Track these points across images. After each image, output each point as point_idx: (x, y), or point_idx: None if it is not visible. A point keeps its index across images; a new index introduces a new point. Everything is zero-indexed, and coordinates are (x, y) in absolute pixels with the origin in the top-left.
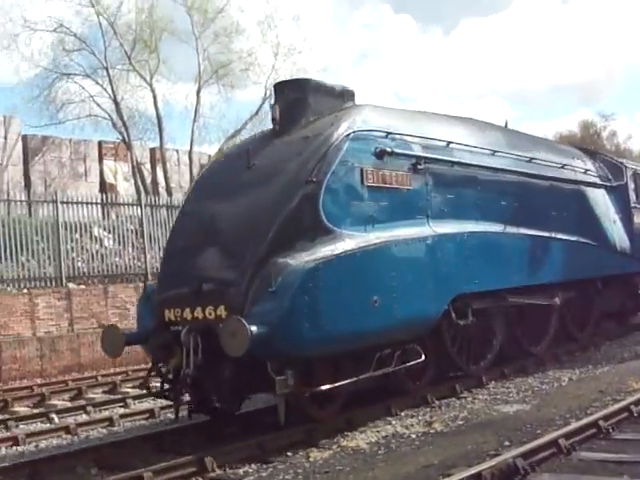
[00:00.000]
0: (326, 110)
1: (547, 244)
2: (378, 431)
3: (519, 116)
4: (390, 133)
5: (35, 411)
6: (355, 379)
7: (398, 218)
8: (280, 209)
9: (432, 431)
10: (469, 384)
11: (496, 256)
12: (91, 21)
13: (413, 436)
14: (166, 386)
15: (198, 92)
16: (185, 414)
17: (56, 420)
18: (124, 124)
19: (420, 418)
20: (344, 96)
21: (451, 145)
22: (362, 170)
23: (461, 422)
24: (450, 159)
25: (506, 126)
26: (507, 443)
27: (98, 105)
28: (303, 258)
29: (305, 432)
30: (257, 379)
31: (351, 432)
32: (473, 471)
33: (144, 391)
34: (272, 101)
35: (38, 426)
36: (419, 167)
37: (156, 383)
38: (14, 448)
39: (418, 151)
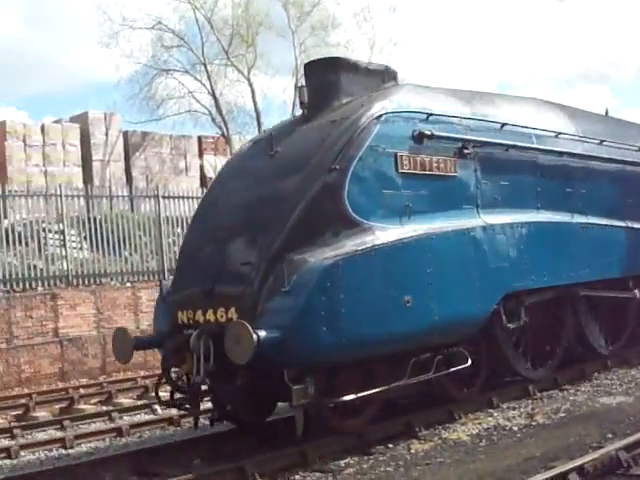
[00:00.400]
0: (361, 91)
1: (620, 234)
2: (479, 423)
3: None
4: (432, 114)
5: (139, 403)
6: (386, 387)
7: (441, 208)
8: (298, 200)
9: (534, 423)
10: (571, 376)
11: (560, 248)
12: (188, 17)
13: (515, 428)
14: (178, 395)
15: (296, 85)
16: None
17: (159, 411)
18: (223, 119)
19: (522, 410)
20: (383, 76)
21: (506, 127)
22: (396, 156)
23: (563, 414)
24: (505, 142)
25: (606, 114)
26: (610, 435)
27: (197, 100)
28: (323, 254)
29: (406, 424)
30: (275, 387)
31: (452, 424)
32: (575, 464)
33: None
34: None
35: (142, 417)
36: (466, 152)
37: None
38: (118, 439)
39: (465, 134)
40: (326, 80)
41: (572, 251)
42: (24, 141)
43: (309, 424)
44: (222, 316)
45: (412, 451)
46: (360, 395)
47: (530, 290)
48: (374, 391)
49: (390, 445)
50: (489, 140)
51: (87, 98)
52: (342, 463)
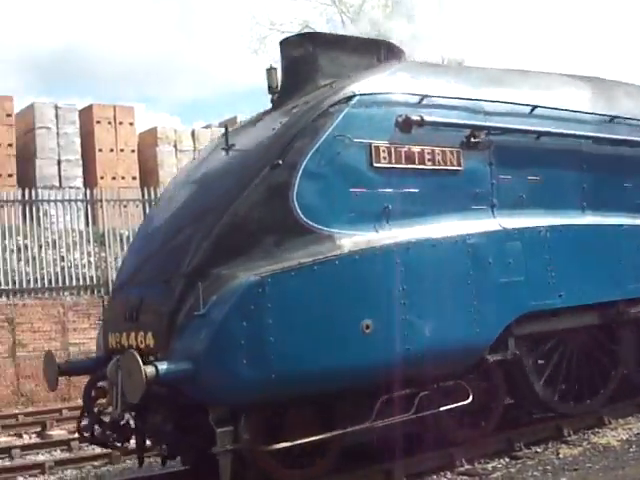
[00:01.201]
0: (348, 72)
1: None
2: (630, 428)
3: None
4: (427, 97)
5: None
6: (340, 432)
7: (437, 210)
8: (230, 203)
9: None
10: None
11: (606, 258)
12: (334, 20)
13: None
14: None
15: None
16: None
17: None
18: None
19: None
20: (379, 53)
21: (538, 110)
22: (370, 147)
23: None
24: (536, 129)
25: None
26: None
27: None
28: (259, 269)
29: (554, 428)
30: (203, 427)
31: (601, 429)
32: None
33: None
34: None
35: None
36: (476, 140)
37: None
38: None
39: (476, 119)
40: (301, 60)
41: (621, 262)
42: (175, 146)
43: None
44: (142, 342)
45: (560, 456)
46: (300, 442)
47: (560, 309)
48: (317, 437)
49: (538, 449)
50: (512, 126)
51: (236, 103)
52: (489, 467)
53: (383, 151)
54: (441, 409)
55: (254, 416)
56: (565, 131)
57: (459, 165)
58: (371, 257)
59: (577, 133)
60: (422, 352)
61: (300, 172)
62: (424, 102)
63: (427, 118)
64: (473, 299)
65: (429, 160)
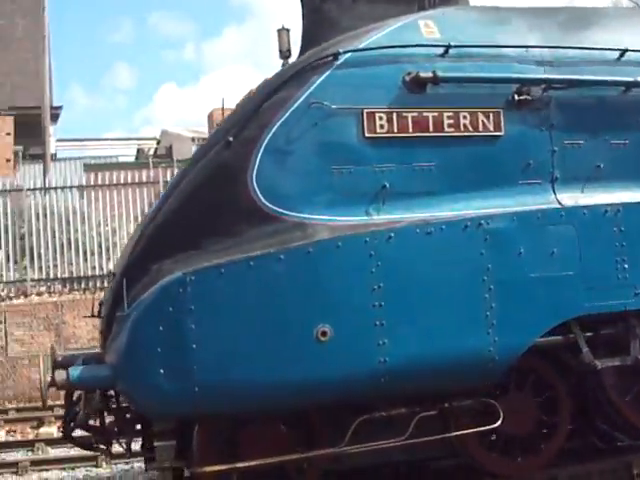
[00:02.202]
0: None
1: None
2: None
3: None
4: (455, 47)
5: None
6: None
7: (463, 189)
8: (177, 188)
9: None
10: None
11: None
12: None
13: None
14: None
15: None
16: None
17: None
18: None
19: None
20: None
21: (629, 56)
22: (362, 113)
23: None
24: (624, 79)
25: None
26: None
27: None
28: (197, 264)
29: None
30: None
31: None
32: None
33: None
34: None
35: None
36: (524, 98)
37: None
38: None
39: (528, 71)
40: (320, 16)
41: None
42: None
43: None
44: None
45: None
46: (239, 465)
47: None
48: (267, 461)
49: None
50: (588, 77)
51: None
52: None
53: (380, 118)
54: (452, 434)
55: (206, 431)
56: None
57: (498, 130)
58: (329, 249)
59: None
60: (409, 367)
61: (262, 149)
62: (450, 54)
63: (449, 74)
64: (491, 300)
65: (450, 126)
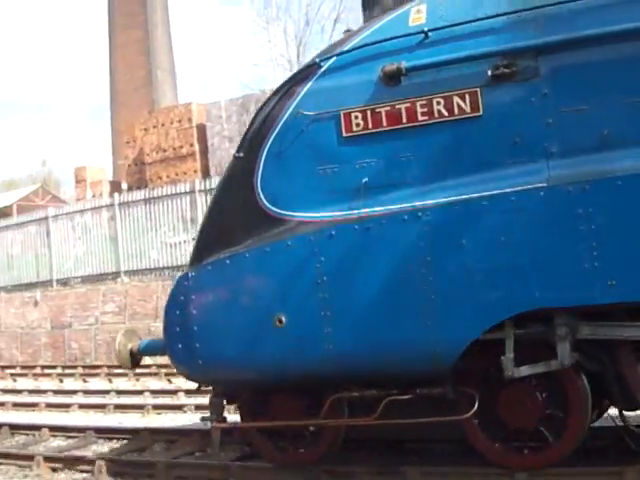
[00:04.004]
0: None
1: None
2: None
3: None
4: (435, 30)
5: None
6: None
7: (441, 176)
8: (212, 196)
9: None
10: None
11: None
12: None
13: None
14: None
15: None
16: None
17: None
18: None
19: None
20: None
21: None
22: (339, 116)
23: None
24: (631, 26)
25: None
26: None
27: None
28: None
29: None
30: None
31: None
32: None
33: None
34: None
35: None
36: (506, 71)
37: None
38: None
39: (514, 41)
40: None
41: None
42: None
43: None
44: None
45: None
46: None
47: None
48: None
49: None
50: (585, 33)
51: None
52: None
53: (355, 117)
54: (422, 420)
55: (244, 396)
56: None
57: (476, 110)
58: (278, 250)
59: None
60: (350, 354)
61: (263, 158)
62: (431, 38)
63: (417, 62)
64: (430, 293)
65: (424, 114)
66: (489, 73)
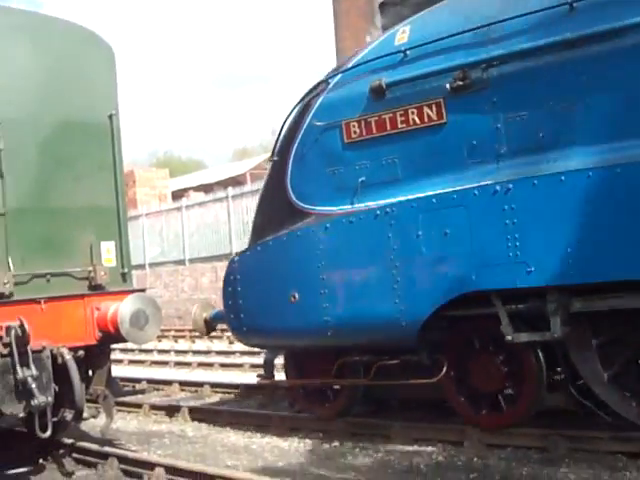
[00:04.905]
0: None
1: None
2: None
3: None
4: (413, 48)
5: None
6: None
7: (419, 175)
8: (260, 192)
9: None
10: None
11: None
12: None
13: None
14: None
15: None
16: None
17: None
18: None
19: None
20: None
21: (579, 6)
22: (341, 125)
23: None
24: (564, 37)
25: None
26: None
27: None
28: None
29: None
30: None
31: None
32: None
33: None
34: None
35: None
36: (460, 84)
37: None
38: None
39: (468, 56)
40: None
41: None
42: None
43: None
44: None
45: None
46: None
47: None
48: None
49: None
50: (525, 46)
51: None
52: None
53: (353, 126)
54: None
55: (288, 358)
56: (625, 22)
57: (441, 118)
58: (292, 238)
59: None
60: (339, 324)
61: (291, 161)
62: (409, 56)
63: (399, 77)
64: (397, 276)
65: (402, 122)
66: (449, 86)
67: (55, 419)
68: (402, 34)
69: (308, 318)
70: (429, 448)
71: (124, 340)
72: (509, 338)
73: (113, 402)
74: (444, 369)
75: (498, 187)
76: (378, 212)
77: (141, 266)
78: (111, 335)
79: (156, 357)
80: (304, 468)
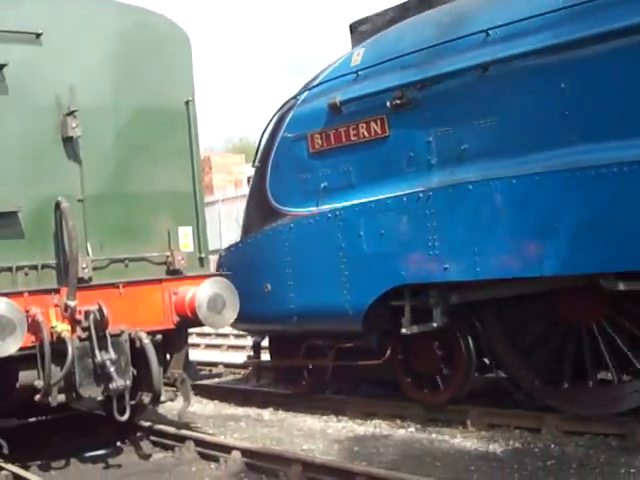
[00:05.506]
0: None
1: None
2: None
3: None
4: (364, 68)
5: None
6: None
7: (368, 182)
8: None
9: None
10: None
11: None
12: None
13: None
14: None
15: None
16: None
17: None
18: None
19: None
20: None
21: (494, 33)
22: (307, 136)
23: None
24: (480, 61)
25: None
26: None
27: None
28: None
29: None
30: None
31: None
32: None
33: None
34: None
35: None
36: (401, 102)
37: None
38: None
39: (406, 77)
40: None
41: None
42: None
43: None
44: None
45: None
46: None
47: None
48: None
49: None
50: (451, 69)
51: None
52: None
53: (317, 138)
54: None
55: (271, 342)
56: (529, 48)
57: (383, 132)
58: (266, 237)
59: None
60: (301, 312)
61: (269, 168)
62: (360, 76)
63: (352, 95)
64: (344, 270)
65: (354, 135)
66: (390, 104)
67: (133, 402)
68: (357, 56)
69: (278, 306)
70: (505, 434)
71: (201, 324)
72: (403, 330)
73: (190, 386)
74: (388, 352)
75: (421, 194)
76: (329, 215)
77: (218, 251)
78: (188, 319)
79: (232, 341)
80: (380, 453)
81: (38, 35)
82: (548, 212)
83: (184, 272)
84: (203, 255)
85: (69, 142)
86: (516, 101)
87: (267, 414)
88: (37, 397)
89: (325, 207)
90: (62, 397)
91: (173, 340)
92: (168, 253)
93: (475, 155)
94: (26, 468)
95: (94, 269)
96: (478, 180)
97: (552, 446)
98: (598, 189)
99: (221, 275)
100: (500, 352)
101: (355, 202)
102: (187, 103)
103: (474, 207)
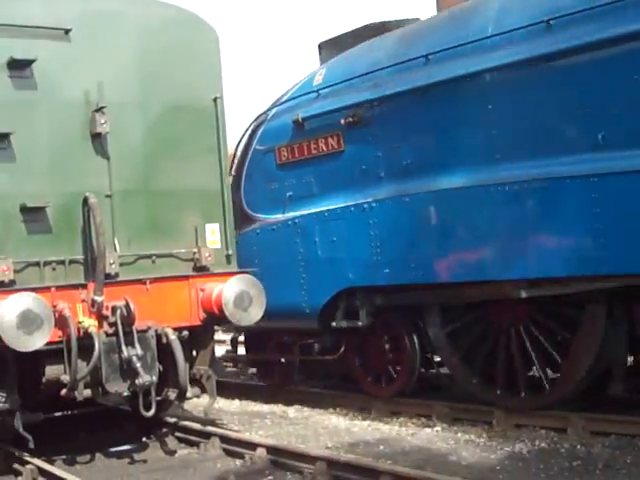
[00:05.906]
0: None
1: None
2: None
3: None
4: (324, 88)
5: None
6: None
7: (326, 191)
8: None
9: None
10: None
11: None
12: None
13: None
14: None
15: None
16: None
17: None
18: None
19: None
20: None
21: (433, 57)
22: (275, 150)
23: None
24: (422, 83)
25: None
26: None
27: None
28: None
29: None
30: None
31: None
32: None
33: None
34: None
35: None
36: (354, 120)
37: None
38: None
39: (360, 96)
40: None
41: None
42: None
43: None
44: None
45: None
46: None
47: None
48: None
49: None
50: (397, 90)
51: None
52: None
53: (283, 151)
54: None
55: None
56: (461, 72)
57: (339, 147)
58: (240, 240)
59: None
60: (269, 310)
61: (243, 177)
62: (321, 95)
63: (312, 113)
64: (302, 273)
65: (315, 149)
66: (344, 121)
67: (159, 398)
68: (319, 76)
69: None
70: (531, 434)
71: (228, 321)
72: (333, 324)
73: (216, 382)
74: (341, 349)
75: (365, 205)
76: (290, 222)
77: None
78: (215, 316)
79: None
80: (405, 452)
81: (67, 31)
82: (465, 224)
83: (211, 269)
84: (230, 252)
85: (97, 138)
86: (447, 121)
87: (292, 411)
88: (63, 392)
89: (290, 214)
90: (88, 392)
91: (199, 336)
92: (195, 250)
93: (415, 170)
94: (51, 462)
95: (121, 265)
96: (411, 193)
97: (578, 446)
98: (505, 204)
99: (248, 272)
100: (441, 351)
101: (313, 211)
102: (215, 100)
103: (407, 218)
